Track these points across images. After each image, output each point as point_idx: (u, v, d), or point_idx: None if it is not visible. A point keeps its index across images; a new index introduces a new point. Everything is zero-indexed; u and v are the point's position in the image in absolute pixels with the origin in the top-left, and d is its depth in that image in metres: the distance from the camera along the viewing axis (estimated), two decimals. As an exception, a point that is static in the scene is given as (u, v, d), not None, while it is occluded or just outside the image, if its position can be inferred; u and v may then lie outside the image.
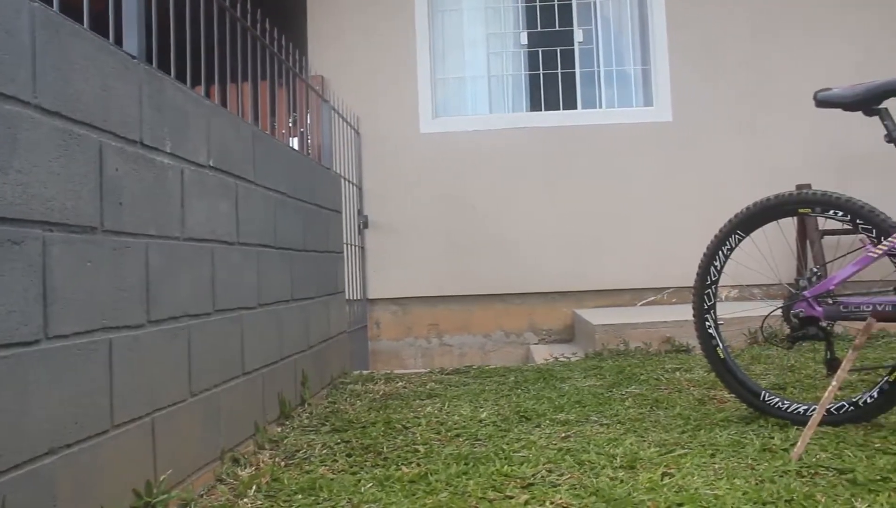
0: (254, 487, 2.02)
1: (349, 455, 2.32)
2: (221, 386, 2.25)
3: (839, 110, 2.44)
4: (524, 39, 5.62)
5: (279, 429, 2.71)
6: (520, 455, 2.21)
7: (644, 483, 1.88)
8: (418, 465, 2.16)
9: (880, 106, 2.37)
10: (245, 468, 2.22)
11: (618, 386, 3.24)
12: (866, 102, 2.38)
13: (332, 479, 2.07)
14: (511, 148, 5.39)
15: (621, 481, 1.91)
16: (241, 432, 2.39)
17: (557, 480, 1.96)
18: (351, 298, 4.72)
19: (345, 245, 4.35)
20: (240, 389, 2.40)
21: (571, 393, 3.13)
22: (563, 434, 2.45)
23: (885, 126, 2.35)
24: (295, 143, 5.12)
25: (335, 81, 5.26)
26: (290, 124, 5.45)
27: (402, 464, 2.18)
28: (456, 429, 2.60)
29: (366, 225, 5.33)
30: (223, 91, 3.00)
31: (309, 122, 4.84)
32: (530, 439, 2.40)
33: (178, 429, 1.96)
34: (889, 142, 2.34)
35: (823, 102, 2.47)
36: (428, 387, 3.50)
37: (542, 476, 1.99)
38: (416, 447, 2.37)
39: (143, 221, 1.83)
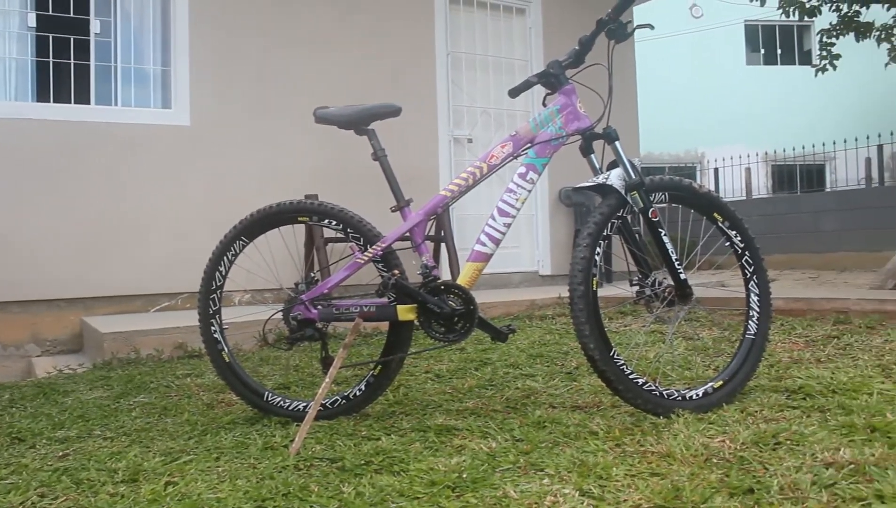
0: None
1: None
2: None
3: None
4: (32, 21, 5.10)
5: None
6: (8, 482, 2.05)
7: (147, 494, 1.88)
8: None
9: (369, 127, 2.64)
10: None
11: (126, 396, 3.17)
12: (356, 122, 2.63)
13: None
14: (13, 141, 4.84)
15: (122, 496, 1.89)
16: None
17: (51, 504, 1.87)
18: None
19: None
20: None
21: (74, 408, 2.99)
22: (62, 453, 2.34)
23: (372, 145, 2.64)
24: None
25: None
26: None
27: None
28: (-75, 464, 2.30)
29: None
30: None
31: None
32: (22, 462, 2.24)
33: None
34: (375, 160, 2.64)
35: (321, 119, 2.67)
36: None
37: (34, 503, 1.88)
38: None
39: None
